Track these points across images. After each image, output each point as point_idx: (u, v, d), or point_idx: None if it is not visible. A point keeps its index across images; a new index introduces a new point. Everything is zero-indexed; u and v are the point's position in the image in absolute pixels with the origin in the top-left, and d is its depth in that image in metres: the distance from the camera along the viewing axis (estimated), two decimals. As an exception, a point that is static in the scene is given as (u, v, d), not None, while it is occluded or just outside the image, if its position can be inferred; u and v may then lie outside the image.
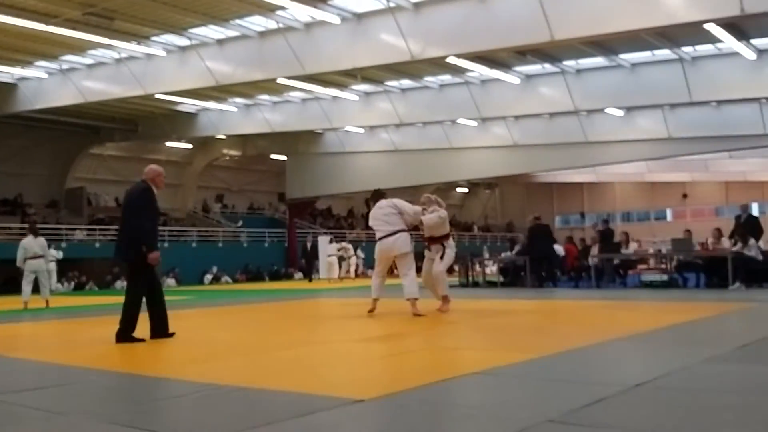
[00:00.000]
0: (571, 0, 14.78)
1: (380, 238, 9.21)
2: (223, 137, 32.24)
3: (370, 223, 9.45)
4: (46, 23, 16.76)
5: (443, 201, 10.41)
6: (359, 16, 16.99)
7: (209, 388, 4.41)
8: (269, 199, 39.90)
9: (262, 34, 18.37)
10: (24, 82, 22.87)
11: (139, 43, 19.18)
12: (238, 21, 17.82)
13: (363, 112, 26.04)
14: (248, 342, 7.27)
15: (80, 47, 19.56)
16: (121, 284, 25.94)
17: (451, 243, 9.74)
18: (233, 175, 39.03)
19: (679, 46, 19.40)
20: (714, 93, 21.42)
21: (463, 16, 15.73)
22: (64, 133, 29.71)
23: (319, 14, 16.67)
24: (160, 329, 7.15)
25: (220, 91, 23.86)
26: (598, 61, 21.13)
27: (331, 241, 28.05)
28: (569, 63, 21.57)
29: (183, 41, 19.22)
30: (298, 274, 31.66)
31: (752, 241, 14.07)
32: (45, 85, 22.41)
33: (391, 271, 9.53)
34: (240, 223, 35.18)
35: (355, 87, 24.46)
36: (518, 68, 22.03)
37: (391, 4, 16.17)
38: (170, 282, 26.50)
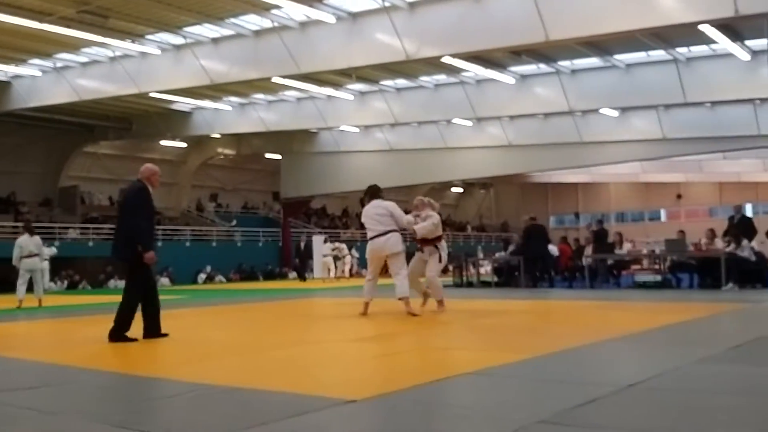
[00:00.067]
0: (566, 0, 14.82)
1: (371, 238, 9.23)
2: (218, 136, 32.22)
3: (363, 219, 9.47)
4: (41, 21, 16.72)
5: (437, 201, 10.42)
6: (354, 16, 17.00)
7: (202, 388, 4.40)
8: (264, 198, 39.86)
9: (257, 33, 18.35)
10: (18, 80, 22.81)
11: (133, 42, 19.15)
12: (233, 20, 17.80)
13: (358, 112, 26.05)
14: (242, 342, 7.26)
15: (74, 45, 19.51)
16: (114, 283, 25.90)
17: (443, 245, 9.76)
18: (227, 174, 38.99)
19: (673, 46, 19.45)
20: (708, 94, 21.50)
21: (458, 15, 15.74)
22: (58, 131, 29.63)
23: (314, 13, 16.66)
24: (153, 329, 7.14)
25: (214, 90, 23.83)
26: (593, 61, 21.18)
27: (325, 241, 28.03)
28: (564, 63, 21.61)
29: (178, 40, 19.19)
30: (293, 274, 31.62)
31: (745, 241, 14.11)
32: (39, 83, 22.36)
33: (385, 271, 9.53)
34: (234, 222, 35.14)
35: (350, 86, 24.46)
36: (513, 68, 22.06)
37: (386, 4, 16.17)
38: (164, 281, 26.47)
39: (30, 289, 14.51)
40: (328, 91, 24.44)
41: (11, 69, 21.85)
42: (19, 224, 20.90)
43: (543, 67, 21.94)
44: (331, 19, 16.87)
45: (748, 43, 18.49)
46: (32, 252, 14.39)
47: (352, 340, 7.09)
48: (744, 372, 4.66)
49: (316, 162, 33.08)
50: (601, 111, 25.21)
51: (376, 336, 7.59)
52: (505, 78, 22.25)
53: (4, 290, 18.57)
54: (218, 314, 11.54)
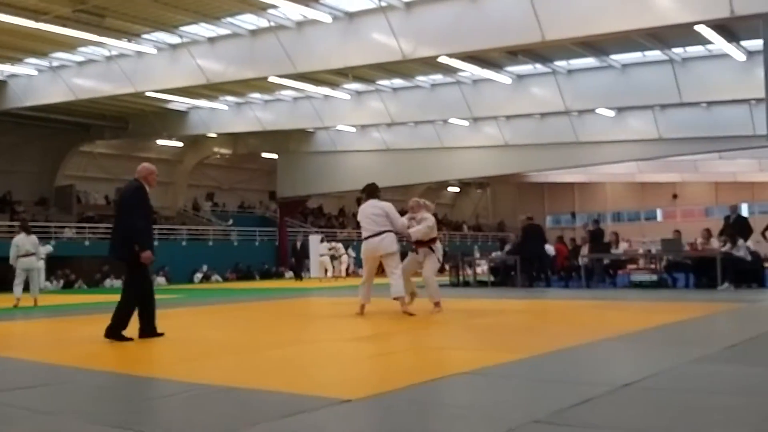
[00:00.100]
0: (563, 0, 14.82)
1: (366, 238, 9.25)
2: (214, 135, 32.16)
3: (359, 217, 9.50)
4: (36, 20, 16.67)
5: (434, 201, 10.45)
6: (351, 15, 16.98)
7: (199, 388, 4.40)
8: (260, 197, 39.82)
9: (254, 33, 18.33)
10: (14, 80, 22.75)
11: (129, 41, 19.11)
12: (229, 19, 17.78)
13: (354, 111, 26.03)
14: (238, 341, 7.26)
15: (70, 44, 19.47)
16: (110, 282, 25.86)
17: (438, 246, 9.80)
18: (224, 174, 38.94)
19: (669, 47, 19.48)
20: (704, 94, 21.53)
21: (455, 15, 15.75)
22: (54, 130, 29.55)
23: (310, 13, 16.65)
24: (148, 329, 7.14)
25: (211, 90, 23.80)
26: (589, 61, 21.20)
27: (322, 240, 28.03)
28: (560, 63, 21.63)
29: (174, 39, 19.16)
30: (289, 273, 31.61)
31: (741, 241, 14.14)
32: (35, 82, 22.31)
33: (381, 270, 9.55)
34: (230, 221, 35.08)
35: (346, 86, 24.45)
36: (510, 68, 22.07)
37: (383, 4, 16.17)
38: (160, 280, 26.43)
39: (26, 288, 14.49)
40: (325, 90, 24.42)
41: (7, 68, 21.79)
42: (16, 223, 20.85)
43: (539, 67, 21.96)
44: (327, 18, 16.86)
45: (743, 43, 18.52)
46: (29, 251, 14.36)
47: (348, 340, 7.10)
48: (740, 371, 4.67)
49: (312, 161, 33.06)
50: (597, 111, 25.24)
51: (372, 335, 7.60)
52: (501, 78, 22.26)
53: (0, 289, 18.53)
54: (215, 314, 11.54)
